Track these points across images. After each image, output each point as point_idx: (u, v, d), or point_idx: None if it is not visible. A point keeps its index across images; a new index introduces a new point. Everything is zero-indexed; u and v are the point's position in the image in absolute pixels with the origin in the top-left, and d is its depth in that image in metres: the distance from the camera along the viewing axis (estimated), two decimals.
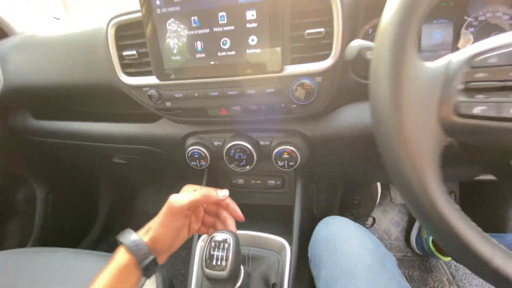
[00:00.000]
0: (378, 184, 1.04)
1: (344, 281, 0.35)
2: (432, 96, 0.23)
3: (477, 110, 0.22)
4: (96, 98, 0.66)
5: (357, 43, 0.36)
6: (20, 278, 0.56)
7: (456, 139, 0.25)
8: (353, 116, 0.52)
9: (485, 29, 0.53)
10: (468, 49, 0.23)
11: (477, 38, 0.53)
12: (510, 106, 0.21)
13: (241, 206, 0.47)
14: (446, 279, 0.90)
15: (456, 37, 0.54)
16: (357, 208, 0.93)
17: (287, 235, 0.58)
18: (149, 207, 1.36)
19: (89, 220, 1.15)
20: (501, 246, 0.23)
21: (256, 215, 0.71)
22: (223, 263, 0.37)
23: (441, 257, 0.88)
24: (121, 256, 0.36)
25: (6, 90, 0.68)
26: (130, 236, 0.37)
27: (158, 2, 0.45)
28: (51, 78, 0.63)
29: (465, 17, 0.52)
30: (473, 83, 0.22)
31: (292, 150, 0.54)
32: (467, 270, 0.92)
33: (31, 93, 0.69)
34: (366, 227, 0.99)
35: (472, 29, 0.54)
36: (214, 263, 0.37)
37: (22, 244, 0.91)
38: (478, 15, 0.52)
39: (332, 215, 0.52)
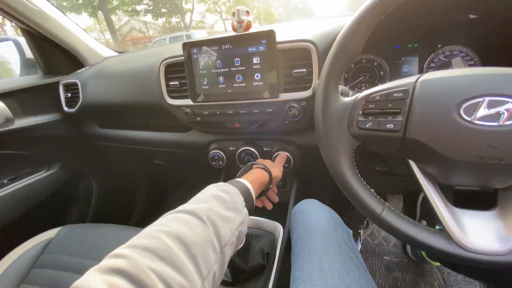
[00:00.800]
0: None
1: (305, 238, 0.50)
2: (344, 116, 0.40)
3: (368, 125, 0.38)
4: (147, 113, 0.89)
5: (316, 83, 0.53)
6: (81, 243, 0.74)
7: (361, 142, 0.41)
8: None
9: (444, 65, 0.67)
10: (366, 91, 0.40)
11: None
12: (386, 123, 0.37)
13: None
14: (438, 283, 0.98)
15: (420, 71, 0.69)
16: (351, 212, 1.05)
17: (283, 222, 0.74)
18: (178, 205, 1.57)
19: (128, 212, 1.40)
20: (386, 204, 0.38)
21: (262, 208, 0.88)
22: None
23: (431, 261, 0.97)
24: (260, 171, 0.55)
25: (82, 106, 0.95)
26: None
27: (194, 51, 0.67)
28: (116, 98, 0.88)
29: (430, 55, 0.67)
30: (366, 110, 0.39)
31: (287, 155, 0.71)
32: (459, 276, 0.99)
33: (99, 109, 0.95)
34: (361, 228, 1.10)
35: (433, 65, 0.68)
36: None
37: (81, 221, 1.16)
38: (439, 54, 0.67)
39: None
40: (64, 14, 0.98)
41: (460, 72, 0.34)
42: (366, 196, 0.38)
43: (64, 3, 15.57)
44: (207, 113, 0.72)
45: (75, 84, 0.94)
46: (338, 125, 0.40)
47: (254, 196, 0.46)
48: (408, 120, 0.35)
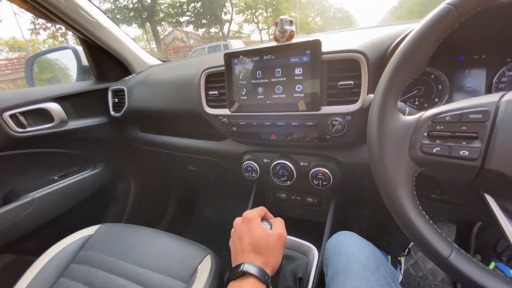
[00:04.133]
0: None
1: (342, 276, 0.44)
2: (405, 138, 0.35)
3: (435, 150, 0.33)
4: (185, 121, 0.91)
5: (370, 97, 0.48)
6: (117, 243, 0.77)
7: (424, 168, 0.35)
8: None
9: None
10: (432, 110, 0.34)
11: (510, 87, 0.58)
12: (459, 149, 0.31)
13: (282, 217, 0.60)
14: None
15: (489, 86, 0.60)
16: (390, 236, 0.95)
17: (318, 244, 0.69)
18: (205, 211, 1.59)
19: (160, 213, 1.44)
20: (455, 245, 0.32)
21: (295, 226, 0.84)
22: None
23: None
24: (255, 284, 0.40)
25: (127, 111, 1.00)
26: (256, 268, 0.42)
27: (235, 61, 0.66)
28: (158, 105, 0.91)
29: (501, 68, 0.58)
30: (433, 132, 0.33)
31: (325, 172, 0.66)
32: None
33: (142, 114, 0.99)
34: (401, 255, 0.99)
35: (505, 79, 0.59)
36: None
37: (117, 220, 1.22)
38: (510, 67, 0.58)
39: (369, 240, 0.60)
40: (117, 25, 1.05)
41: None
42: (430, 235, 0.32)
43: (118, 16, 17.28)
44: (244, 123, 0.70)
45: (122, 90, 1.00)
46: (397, 147, 0.35)
47: None
48: (488, 148, 0.29)
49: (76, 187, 0.99)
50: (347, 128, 0.58)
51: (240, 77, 0.66)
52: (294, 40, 0.68)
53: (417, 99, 0.64)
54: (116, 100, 1.02)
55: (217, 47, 11.33)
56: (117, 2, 17.30)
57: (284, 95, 0.62)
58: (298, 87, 0.60)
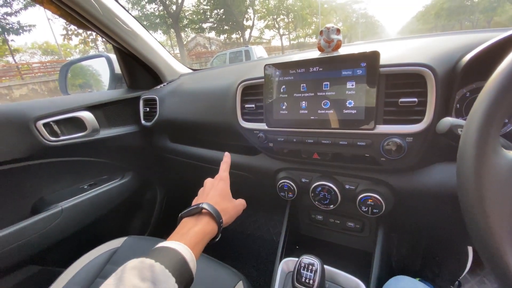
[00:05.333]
0: (470, 248, 0.91)
1: None
2: (511, 179, 0.27)
3: None
4: (217, 133, 0.87)
5: (448, 121, 0.40)
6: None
7: None
8: (444, 175, 0.53)
9: None
10: None
11: None
12: None
13: (320, 242, 0.54)
14: None
15: None
16: (438, 267, 0.84)
17: (363, 277, 0.61)
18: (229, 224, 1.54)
19: None
20: None
21: (333, 253, 0.76)
22: (311, 282, 0.45)
23: None
24: (209, 224, 0.45)
25: (158, 120, 0.98)
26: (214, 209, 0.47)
27: (277, 73, 0.61)
28: (189, 116, 0.88)
29: None
30: None
31: (377, 198, 0.58)
32: None
33: (173, 124, 0.97)
34: None
35: None
36: (303, 280, 0.46)
37: (142, 231, 1.20)
38: None
39: (412, 269, 0.52)
40: (150, 33, 1.04)
41: None
42: None
43: (145, 22, 18.08)
44: (282, 139, 0.64)
45: (154, 100, 0.98)
46: (502, 191, 0.28)
47: (194, 268, 0.38)
48: None
49: (105, 196, 0.98)
50: (406, 151, 0.50)
51: (282, 90, 0.61)
52: (342, 50, 0.62)
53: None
54: (148, 109, 1.00)
55: (238, 52, 11.43)
56: (144, 10, 18.14)
57: (331, 111, 0.56)
58: (350, 103, 0.53)
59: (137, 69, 1.07)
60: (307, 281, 0.45)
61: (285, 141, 0.64)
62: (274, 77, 0.61)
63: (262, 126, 0.66)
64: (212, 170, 0.94)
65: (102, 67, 1.25)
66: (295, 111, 0.60)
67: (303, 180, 0.70)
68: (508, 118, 0.51)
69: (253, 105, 0.67)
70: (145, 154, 1.12)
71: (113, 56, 1.14)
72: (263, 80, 0.64)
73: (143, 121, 1.02)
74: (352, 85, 0.53)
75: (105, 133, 0.96)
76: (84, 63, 1.45)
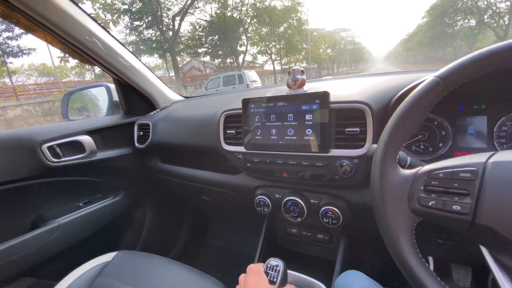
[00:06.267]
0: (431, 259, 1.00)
1: None
2: (404, 190, 0.39)
3: (431, 203, 0.36)
4: (203, 155, 0.98)
5: (373, 147, 0.53)
6: (132, 271, 0.80)
7: (422, 218, 0.39)
8: None
9: None
10: (428, 166, 0.38)
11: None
12: (452, 204, 0.35)
13: (293, 253, 0.63)
14: None
15: (491, 133, 0.63)
16: (402, 276, 0.92)
17: (327, 283, 0.69)
18: (215, 241, 1.60)
19: (173, 241, 1.46)
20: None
21: (305, 262, 0.84)
22: (275, 279, 0.54)
23: None
24: None
25: (150, 144, 1.09)
26: None
27: (252, 106, 0.74)
28: (179, 139, 0.99)
29: (501, 117, 0.62)
30: (429, 187, 0.37)
31: (335, 211, 0.69)
32: None
33: (163, 147, 1.07)
34: None
35: (506, 128, 0.62)
36: (269, 278, 0.54)
37: (132, 246, 1.26)
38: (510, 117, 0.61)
39: (383, 278, 0.60)
40: (146, 66, 1.18)
41: None
42: (427, 279, 0.35)
43: (142, 47, 18.68)
44: (258, 160, 0.76)
45: (148, 125, 1.09)
46: (397, 199, 0.39)
47: None
48: (477, 204, 0.33)
49: (99, 213, 1.05)
50: (355, 170, 0.62)
51: (256, 120, 0.73)
52: (305, 87, 0.75)
53: (422, 143, 0.68)
54: (141, 133, 1.11)
55: (232, 76, 11.89)
56: (142, 35, 18.85)
57: (295, 137, 0.68)
58: (308, 131, 0.66)
59: (133, 97, 1.20)
60: (272, 279, 0.54)
61: (260, 162, 0.75)
62: (250, 108, 0.74)
63: (241, 149, 0.78)
64: (198, 188, 1.04)
65: (102, 96, 1.37)
66: (267, 136, 0.72)
67: (277, 195, 0.80)
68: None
69: (234, 131, 0.79)
70: (137, 174, 1.21)
71: (111, 86, 1.27)
72: (241, 110, 0.76)
73: (136, 144, 1.13)
74: (310, 117, 0.65)
75: (102, 154, 1.05)
76: (84, 91, 1.58)
